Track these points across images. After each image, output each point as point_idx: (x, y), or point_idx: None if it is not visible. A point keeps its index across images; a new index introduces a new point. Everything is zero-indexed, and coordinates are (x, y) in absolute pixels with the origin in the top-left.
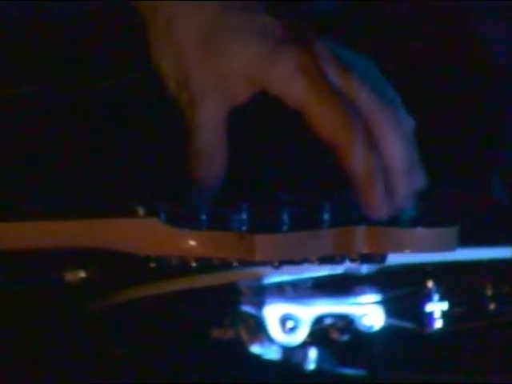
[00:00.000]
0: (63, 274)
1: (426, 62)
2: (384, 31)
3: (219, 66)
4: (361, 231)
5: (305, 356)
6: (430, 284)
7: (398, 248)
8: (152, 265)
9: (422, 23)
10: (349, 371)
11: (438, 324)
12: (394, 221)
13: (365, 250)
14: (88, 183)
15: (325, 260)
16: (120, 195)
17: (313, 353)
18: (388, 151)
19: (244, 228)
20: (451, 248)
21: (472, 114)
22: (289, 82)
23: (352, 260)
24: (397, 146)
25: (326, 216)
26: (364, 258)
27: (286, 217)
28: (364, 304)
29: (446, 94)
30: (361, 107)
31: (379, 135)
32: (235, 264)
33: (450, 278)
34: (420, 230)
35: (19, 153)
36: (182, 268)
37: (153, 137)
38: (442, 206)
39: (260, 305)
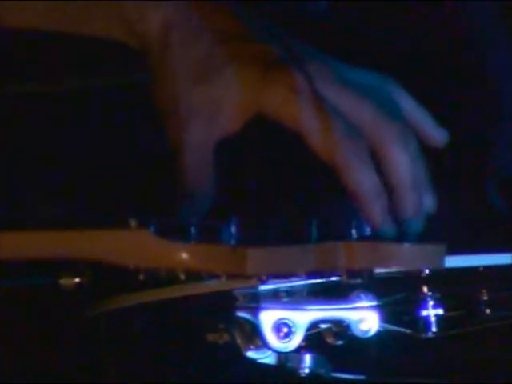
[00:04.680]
0: (58, 279)
1: (420, 65)
2: (379, 31)
3: (211, 94)
4: (348, 246)
5: (300, 361)
6: (426, 289)
7: (385, 264)
8: (141, 277)
9: (417, 24)
10: (344, 376)
11: (434, 329)
12: (401, 237)
13: (352, 266)
14: (80, 194)
15: (312, 275)
16: (112, 207)
17: (308, 357)
18: (392, 166)
19: (233, 242)
20: (438, 265)
21: (466, 120)
22: (284, 104)
23: (339, 275)
24: (401, 161)
25: (313, 230)
26: (351, 274)
27: (274, 231)
28: (359, 309)
29: (441, 100)
30: (362, 124)
31: (383, 151)
32: (223, 278)
33: (446, 283)
34: (407, 246)
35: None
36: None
37: (146, 150)
38: (436, 213)
39: (255, 310)
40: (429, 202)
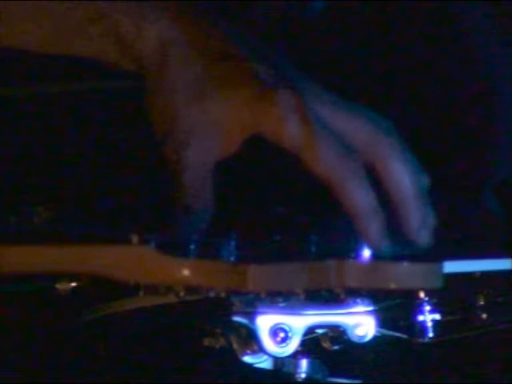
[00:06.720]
0: (54, 283)
1: (416, 68)
2: (375, 32)
3: (209, 113)
4: (347, 265)
5: (296, 365)
6: (422, 294)
7: (384, 283)
8: (141, 293)
9: (415, 27)
10: (341, 381)
11: (430, 334)
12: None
13: (350, 284)
14: (81, 210)
15: (310, 293)
16: (113, 223)
17: (304, 362)
18: (394, 180)
19: (232, 258)
20: (437, 284)
21: (464, 126)
22: (282, 123)
23: (337, 294)
24: (403, 174)
25: (313, 248)
26: (350, 293)
27: (274, 248)
28: (356, 314)
29: (438, 106)
30: (357, 141)
31: (382, 166)
32: (223, 294)
33: (442, 289)
34: (406, 265)
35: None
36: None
37: (146, 165)
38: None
39: (251, 315)
40: (431, 217)
